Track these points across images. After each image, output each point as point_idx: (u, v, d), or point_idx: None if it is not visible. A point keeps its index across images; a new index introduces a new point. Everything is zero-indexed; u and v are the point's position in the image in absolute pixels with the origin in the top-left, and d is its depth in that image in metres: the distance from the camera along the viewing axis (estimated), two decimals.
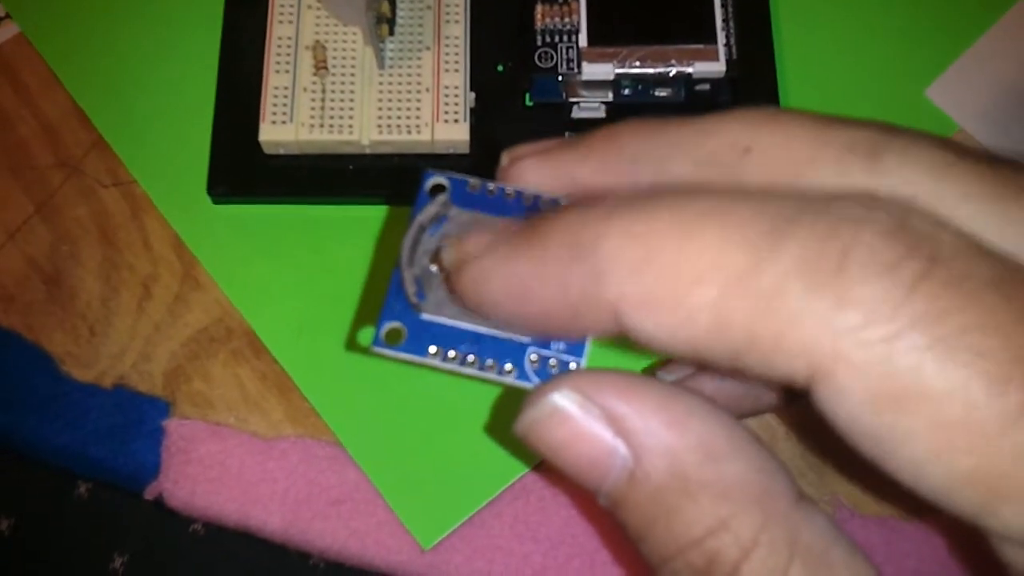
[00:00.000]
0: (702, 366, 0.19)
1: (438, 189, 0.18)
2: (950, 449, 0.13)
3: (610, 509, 0.16)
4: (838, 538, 0.15)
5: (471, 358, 0.17)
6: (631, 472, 0.15)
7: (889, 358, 0.13)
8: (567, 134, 0.32)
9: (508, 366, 0.17)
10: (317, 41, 0.31)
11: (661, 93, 0.31)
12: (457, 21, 0.32)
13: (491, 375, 0.17)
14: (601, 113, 0.31)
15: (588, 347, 0.17)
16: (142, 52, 0.33)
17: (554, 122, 0.32)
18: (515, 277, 0.16)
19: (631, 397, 0.15)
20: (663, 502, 0.15)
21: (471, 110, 0.31)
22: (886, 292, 0.13)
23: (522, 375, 0.17)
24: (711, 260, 0.14)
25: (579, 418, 0.15)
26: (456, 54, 0.32)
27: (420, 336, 0.17)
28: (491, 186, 0.18)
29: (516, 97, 0.32)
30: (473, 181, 0.18)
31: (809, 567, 0.14)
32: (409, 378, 0.29)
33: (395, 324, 0.18)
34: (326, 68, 0.30)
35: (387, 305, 0.18)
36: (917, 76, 0.33)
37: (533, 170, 0.19)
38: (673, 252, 0.14)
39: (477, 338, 0.17)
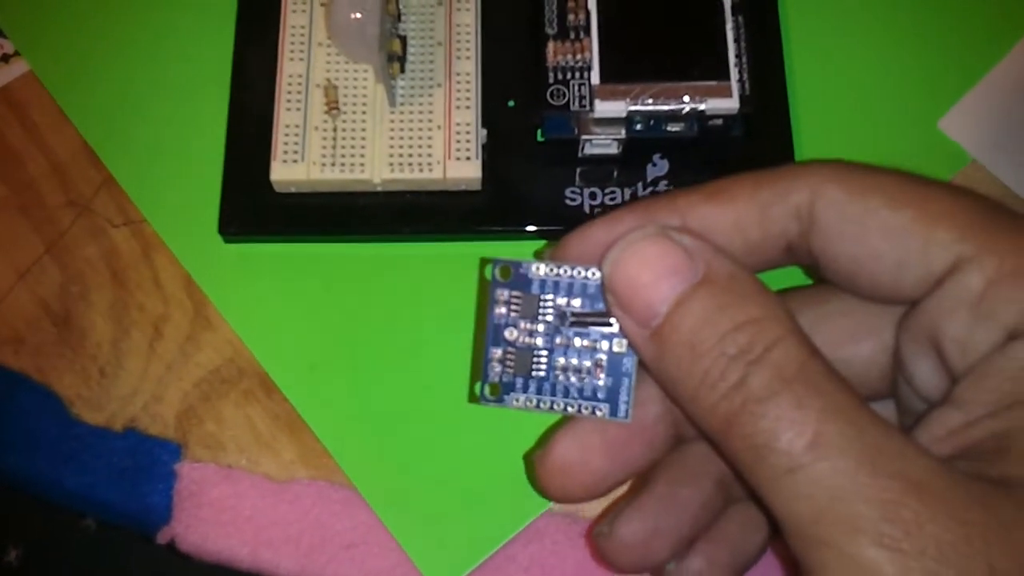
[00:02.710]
0: None
1: (505, 271, 0.20)
2: None
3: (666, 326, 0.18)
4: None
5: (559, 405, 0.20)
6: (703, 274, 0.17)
7: None
8: (577, 169, 0.31)
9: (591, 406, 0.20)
10: (328, 81, 0.31)
11: (674, 128, 0.30)
12: (468, 57, 0.32)
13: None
14: (614, 149, 0.31)
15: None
16: (152, 90, 0.33)
17: (566, 158, 0.31)
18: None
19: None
20: (724, 297, 0.17)
21: (483, 146, 0.31)
22: None
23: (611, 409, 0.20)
24: None
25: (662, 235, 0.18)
26: (467, 90, 0.32)
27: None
28: (550, 267, 0.20)
29: (528, 133, 0.32)
30: (540, 265, 0.20)
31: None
32: (422, 420, 0.29)
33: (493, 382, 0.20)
34: (338, 108, 0.30)
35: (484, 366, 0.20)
36: (930, 108, 0.33)
37: (590, 239, 0.20)
38: None
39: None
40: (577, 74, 0.31)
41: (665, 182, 0.31)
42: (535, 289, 0.20)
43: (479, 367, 0.20)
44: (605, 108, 0.30)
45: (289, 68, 0.32)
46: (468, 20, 0.32)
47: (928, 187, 0.18)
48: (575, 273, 0.20)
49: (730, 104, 0.30)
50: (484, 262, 0.21)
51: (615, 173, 0.31)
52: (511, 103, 0.32)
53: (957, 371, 0.17)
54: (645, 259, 0.18)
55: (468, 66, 0.32)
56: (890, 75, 0.33)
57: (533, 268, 0.20)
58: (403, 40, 0.32)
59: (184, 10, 0.34)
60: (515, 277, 0.20)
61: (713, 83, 0.30)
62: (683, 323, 0.17)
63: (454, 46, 0.32)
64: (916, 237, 0.17)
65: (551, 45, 0.31)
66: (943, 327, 0.17)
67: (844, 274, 0.18)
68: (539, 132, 0.31)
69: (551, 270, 0.20)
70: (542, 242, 0.31)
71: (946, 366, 0.17)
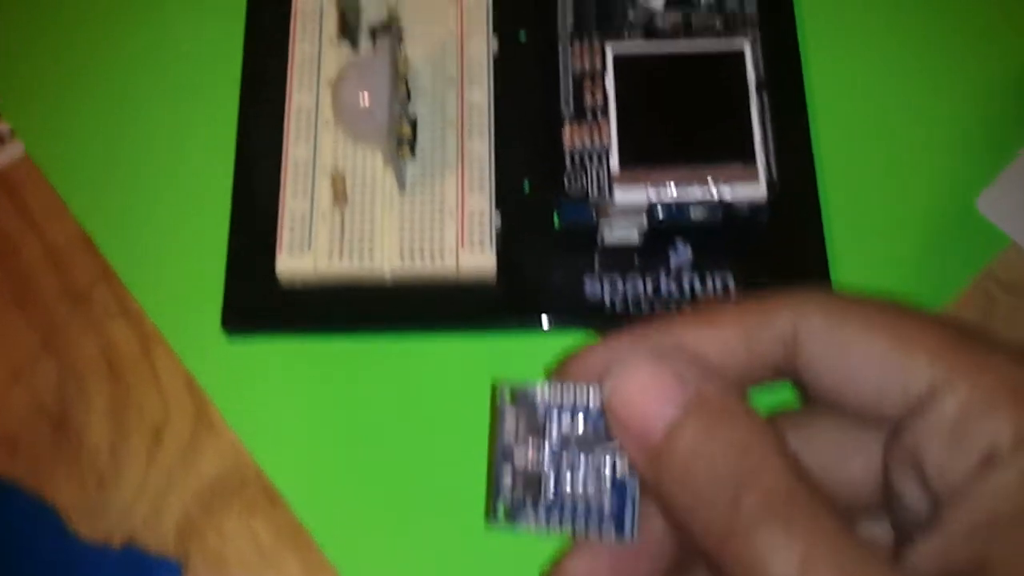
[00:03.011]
0: None
1: (512, 395, 0.20)
2: None
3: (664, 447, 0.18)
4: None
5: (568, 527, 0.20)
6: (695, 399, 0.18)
7: None
8: (596, 257, 0.30)
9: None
10: (336, 169, 0.29)
11: (697, 214, 0.29)
12: (481, 138, 0.31)
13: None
14: (635, 238, 0.29)
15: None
16: (152, 176, 0.31)
17: (584, 246, 0.30)
18: None
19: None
20: (715, 421, 0.18)
21: (497, 232, 0.30)
22: None
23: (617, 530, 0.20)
24: None
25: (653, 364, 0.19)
26: (481, 173, 0.30)
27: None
28: (555, 390, 0.20)
29: (544, 217, 0.30)
30: (545, 388, 0.20)
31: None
32: (435, 536, 0.27)
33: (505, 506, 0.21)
34: (345, 199, 0.29)
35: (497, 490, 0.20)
36: (967, 185, 0.31)
37: (589, 363, 0.21)
38: None
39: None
40: (595, 158, 0.29)
41: (689, 271, 0.30)
42: (541, 411, 0.20)
43: (491, 489, 0.21)
44: (625, 197, 0.28)
45: (295, 151, 0.30)
46: (481, 98, 0.31)
47: (906, 314, 0.19)
48: (579, 396, 0.20)
49: (756, 191, 0.28)
50: (494, 387, 0.21)
51: (636, 261, 0.30)
52: (526, 185, 0.31)
53: (938, 494, 0.18)
54: (640, 384, 0.19)
55: (481, 147, 0.30)
56: (924, 155, 0.31)
57: (539, 391, 0.20)
58: (413, 122, 0.30)
59: (185, 91, 0.32)
60: (522, 400, 0.20)
61: (739, 167, 0.28)
62: (677, 447, 0.18)
63: (466, 126, 0.31)
64: (894, 364, 0.18)
65: (567, 128, 0.30)
66: (923, 451, 0.18)
67: (829, 396, 0.19)
68: (555, 217, 0.30)
69: (556, 393, 0.20)
70: (560, 337, 0.29)
71: (928, 488, 0.18)
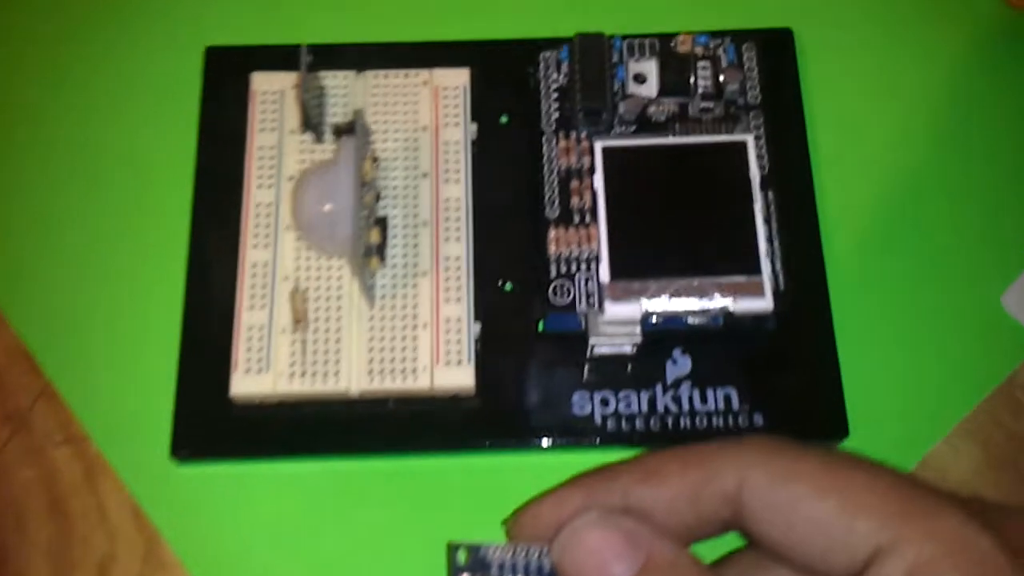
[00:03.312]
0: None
1: (465, 555, 0.21)
2: None
3: None
4: None
5: None
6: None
7: None
8: (585, 368, 0.27)
9: None
10: (295, 285, 0.27)
11: (696, 321, 0.26)
12: (458, 239, 0.28)
13: None
14: (627, 348, 0.27)
15: None
16: (97, 285, 0.29)
17: (572, 355, 0.27)
18: None
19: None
20: None
21: (476, 341, 0.27)
22: None
23: None
24: None
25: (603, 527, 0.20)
26: (457, 278, 0.27)
27: None
28: (507, 551, 0.21)
29: (527, 322, 0.27)
30: (498, 548, 0.21)
31: None
32: None
33: None
34: (306, 322, 0.26)
35: None
36: (990, 284, 0.28)
37: (541, 519, 0.21)
38: None
39: None
40: (583, 265, 0.27)
41: (688, 383, 0.27)
42: (495, 572, 0.21)
43: None
44: (616, 311, 0.26)
45: (252, 256, 0.28)
46: (457, 193, 0.28)
47: (854, 470, 0.19)
48: (531, 557, 0.21)
49: (762, 304, 0.25)
50: (449, 546, 0.21)
51: (629, 372, 0.27)
52: (508, 286, 0.28)
53: None
54: (590, 547, 0.19)
55: (458, 249, 0.28)
56: (944, 247, 0.29)
57: (491, 552, 0.21)
58: (383, 226, 0.27)
59: (132, 189, 0.30)
60: (475, 561, 0.21)
61: (742, 279, 0.26)
62: None
63: (442, 225, 0.28)
64: (839, 527, 0.18)
65: (553, 233, 0.27)
66: None
67: (777, 549, 0.19)
68: (540, 322, 0.27)
69: (509, 554, 0.21)
70: (545, 456, 0.27)
71: None
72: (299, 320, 0.26)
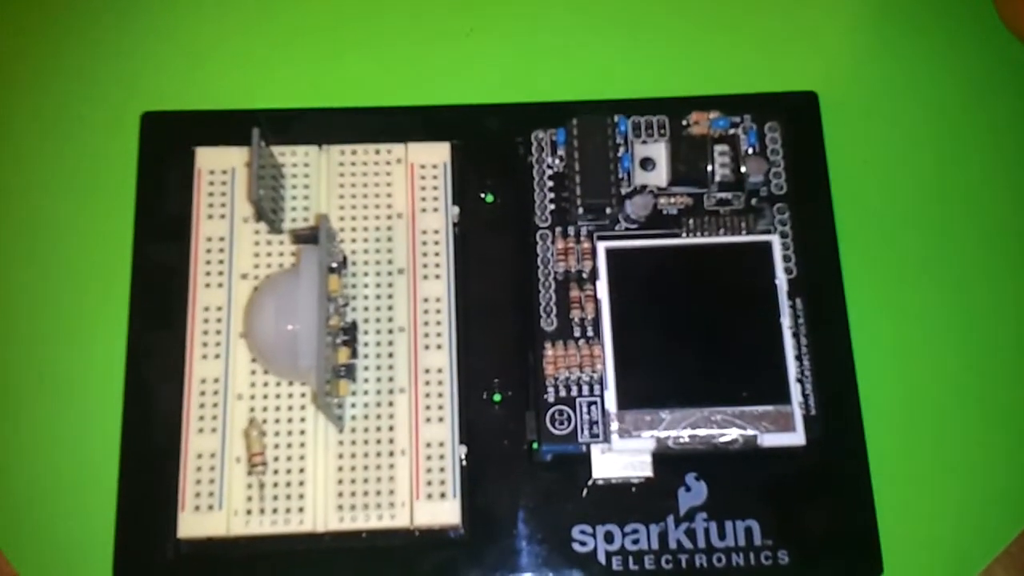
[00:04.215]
0: None
1: None
2: None
3: None
4: None
5: None
6: None
7: None
8: (587, 496, 0.24)
9: None
10: (252, 422, 0.23)
11: (721, 441, 0.23)
12: (440, 346, 0.24)
13: None
14: (640, 474, 0.23)
15: None
16: (26, 406, 0.25)
17: (572, 482, 0.24)
18: None
19: None
20: None
21: (462, 466, 0.23)
22: None
23: None
24: None
25: None
26: (440, 394, 0.24)
27: None
28: None
29: (520, 439, 0.24)
30: None
31: None
32: None
33: None
34: (264, 463, 0.22)
35: None
36: None
37: None
38: None
39: None
40: (586, 388, 0.23)
41: (703, 514, 0.24)
42: None
43: None
44: (626, 446, 0.22)
45: (201, 370, 0.24)
46: (439, 291, 0.24)
47: None
48: None
49: (793, 439, 0.22)
50: None
51: (637, 502, 0.24)
52: (497, 397, 0.24)
53: None
54: None
55: (440, 358, 0.24)
56: (983, 377, 0.25)
57: None
58: (352, 334, 0.24)
59: (66, 289, 0.26)
60: None
61: (770, 408, 0.22)
62: None
63: (420, 331, 0.24)
64: None
65: (550, 351, 0.23)
66: None
67: None
68: (535, 443, 0.24)
69: None
70: None
71: None
72: (256, 464, 0.22)
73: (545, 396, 0.23)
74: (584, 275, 0.23)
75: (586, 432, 0.23)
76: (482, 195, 0.25)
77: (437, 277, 0.25)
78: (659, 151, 0.24)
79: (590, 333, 0.23)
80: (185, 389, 0.24)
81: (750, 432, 0.22)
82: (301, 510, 0.23)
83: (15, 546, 0.24)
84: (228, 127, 0.25)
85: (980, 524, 0.25)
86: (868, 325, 0.25)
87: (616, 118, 0.24)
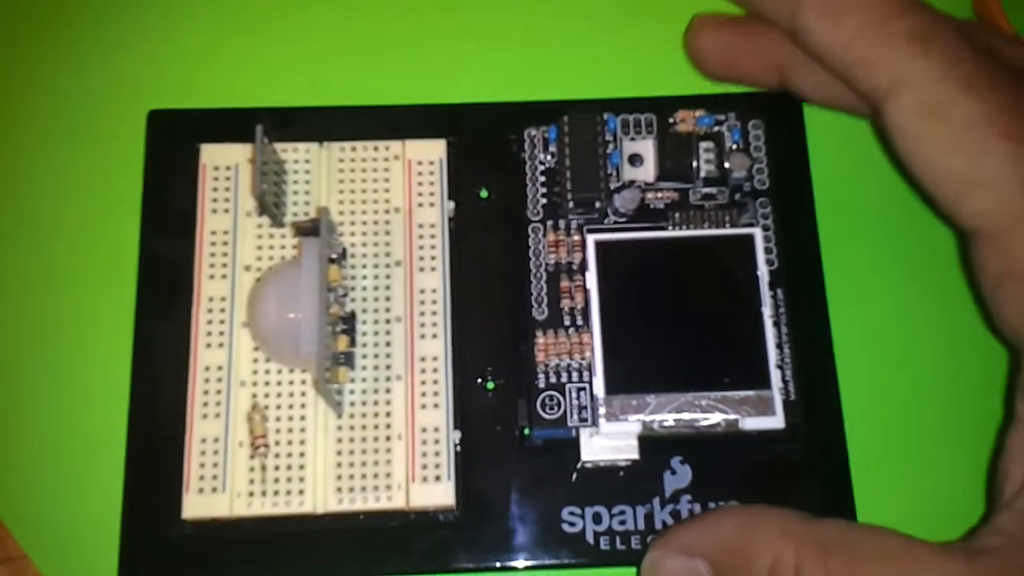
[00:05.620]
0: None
1: None
2: (950, 149, 0.21)
3: None
4: None
5: None
6: None
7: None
8: (576, 479, 0.25)
9: None
10: (253, 406, 0.24)
11: (704, 424, 0.24)
12: (435, 336, 0.25)
13: None
14: (622, 460, 0.24)
15: None
16: (33, 391, 0.26)
17: (561, 466, 0.25)
18: None
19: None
20: None
21: (456, 450, 0.24)
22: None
23: None
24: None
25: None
26: (435, 381, 0.25)
27: None
28: None
29: (512, 425, 0.25)
30: None
31: None
32: None
33: None
34: (266, 446, 0.23)
35: None
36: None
37: None
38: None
39: None
40: (575, 375, 0.24)
41: (688, 496, 0.25)
42: None
43: None
44: (613, 429, 0.23)
45: (205, 358, 0.25)
46: (434, 283, 0.25)
47: None
48: None
49: (773, 423, 0.23)
50: None
51: (624, 484, 0.25)
52: (490, 384, 0.25)
53: None
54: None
55: (435, 347, 0.25)
56: (962, 351, 0.26)
57: None
58: (351, 323, 0.25)
59: (71, 281, 0.27)
60: None
61: (751, 393, 0.23)
62: None
63: (416, 320, 0.25)
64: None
65: (541, 339, 0.24)
66: None
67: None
68: (526, 429, 0.25)
69: None
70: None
71: None
72: (258, 447, 0.23)
73: (536, 382, 0.24)
74: (574, 266, 0.24)
75: (575, 416, 0.24)
76: (476, 190, 0.27)
77: (433, 269, 0.26)
78: (647, 148, 0.25)
79: (579, 322, 0.24)
80: (190, 376, 0.25)
81: (732, 416, 0.23)
82: (301, 492, 0.24)
83: (24, 528, 0.25)
84: (232, 125, 0.26)
85: (957, 507, 0.25)
86: (846, 314, 0.26)
87: (606, 116, 0.25)
